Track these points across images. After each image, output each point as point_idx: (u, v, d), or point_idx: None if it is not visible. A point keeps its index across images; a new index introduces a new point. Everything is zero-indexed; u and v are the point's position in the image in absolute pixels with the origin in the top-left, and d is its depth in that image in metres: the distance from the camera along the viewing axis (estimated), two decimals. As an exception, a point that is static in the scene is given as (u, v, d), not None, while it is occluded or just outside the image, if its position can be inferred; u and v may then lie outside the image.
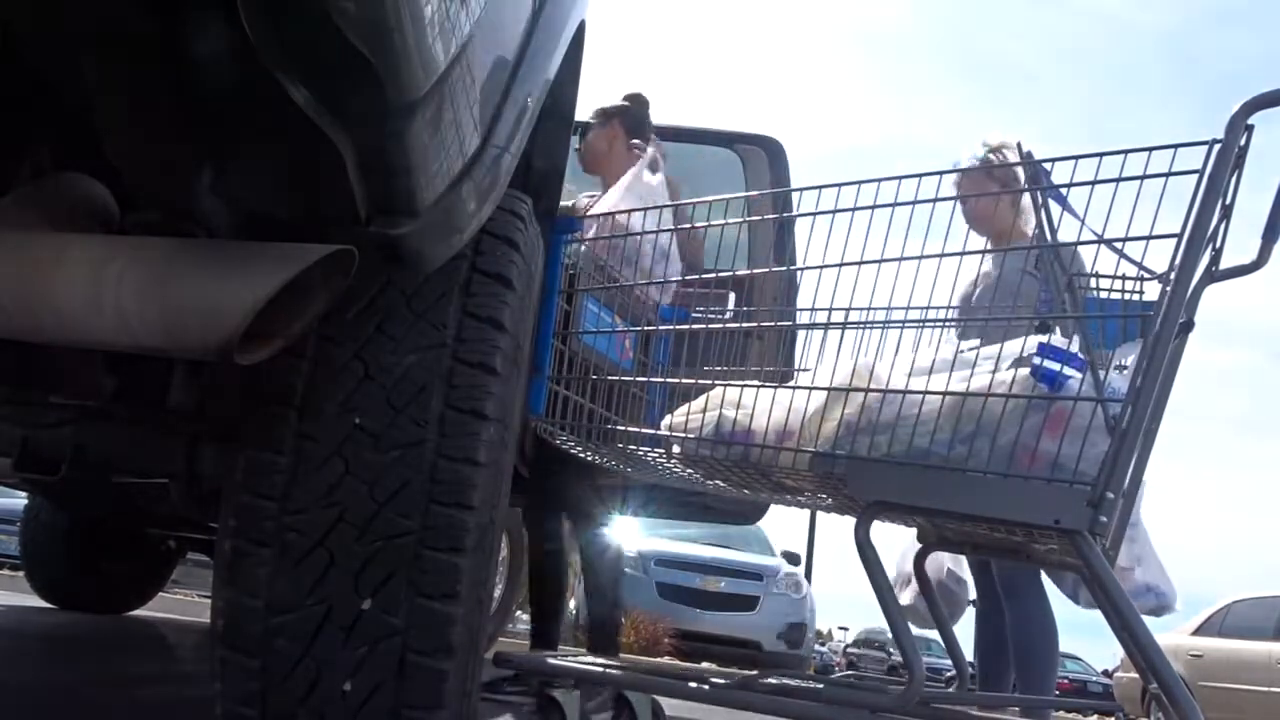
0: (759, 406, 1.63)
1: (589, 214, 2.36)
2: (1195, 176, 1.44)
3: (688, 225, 2.08)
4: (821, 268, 1.73)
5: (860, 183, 1.82)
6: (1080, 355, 1.47)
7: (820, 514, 2.40)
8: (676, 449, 1.73)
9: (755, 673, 1.98)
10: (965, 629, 3.08)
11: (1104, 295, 1.70)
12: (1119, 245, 1.51)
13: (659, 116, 3.27)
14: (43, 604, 4.06)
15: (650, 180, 2.46)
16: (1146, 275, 1.64)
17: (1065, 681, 20.06)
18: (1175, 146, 1.46)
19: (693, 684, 1.73)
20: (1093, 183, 1.46)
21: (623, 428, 1.83)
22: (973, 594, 3.07)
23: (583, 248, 2.04)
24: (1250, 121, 1.48)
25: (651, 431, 1.78)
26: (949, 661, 2.52)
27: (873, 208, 1.83)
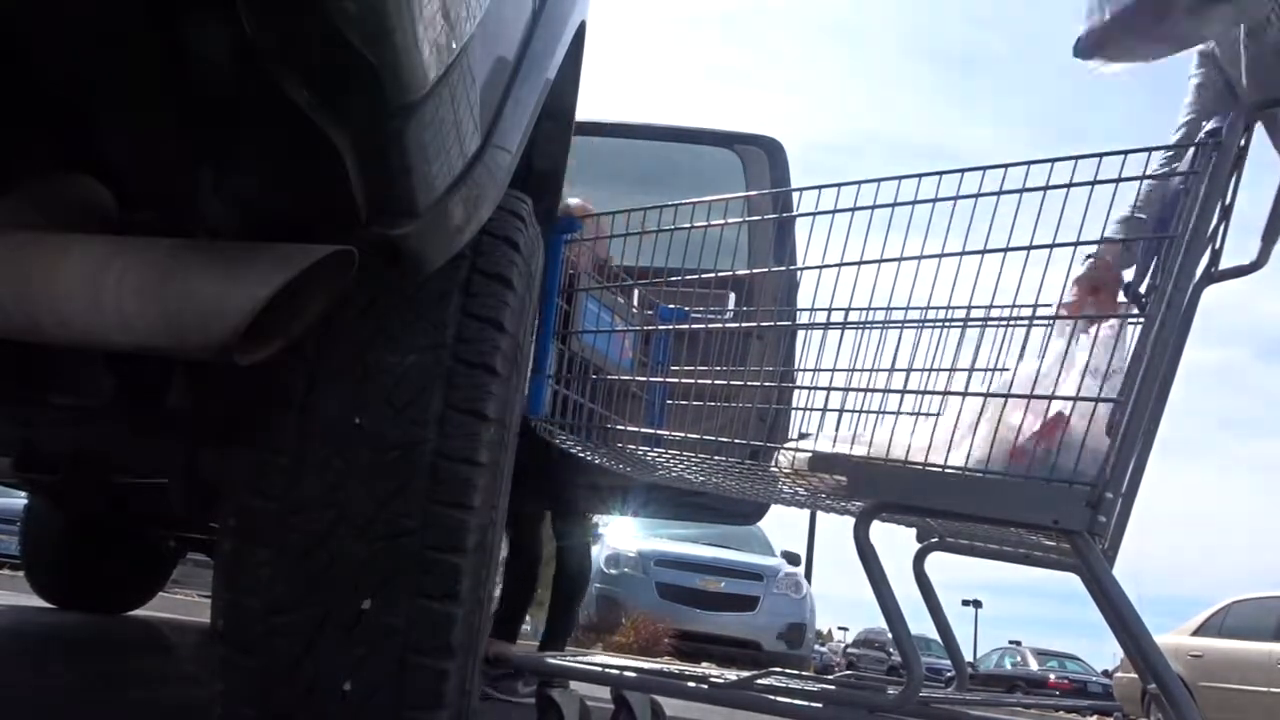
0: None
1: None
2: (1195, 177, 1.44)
3: (688, 226, 2.08)
4: (821, 268, 1.73)
5: (860, 182, 1.82)
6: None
7: (820, 514, 2.40)
8: None
9: (755, 673, 1.98)
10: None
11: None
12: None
13: (659, 117, 3.28)
14: (43, 604, 4.06)
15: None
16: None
17: (1065, 682, 20.04)
18: (1176, 147, 1.46)
19: (692, 684, 1.72)
20: (1093, 183, 1.46)
21: (622, 427, 1.83)
22: None
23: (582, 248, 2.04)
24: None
25: (651, 431, 1.78)
26: (949, 661, 2.52)
27: (872, 207, 1.83)
